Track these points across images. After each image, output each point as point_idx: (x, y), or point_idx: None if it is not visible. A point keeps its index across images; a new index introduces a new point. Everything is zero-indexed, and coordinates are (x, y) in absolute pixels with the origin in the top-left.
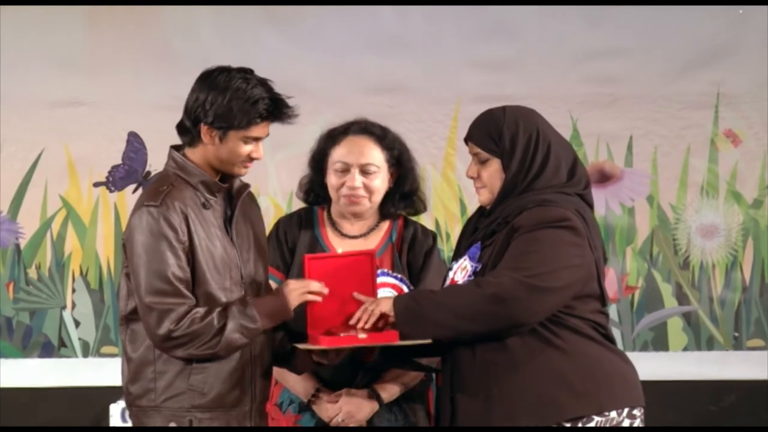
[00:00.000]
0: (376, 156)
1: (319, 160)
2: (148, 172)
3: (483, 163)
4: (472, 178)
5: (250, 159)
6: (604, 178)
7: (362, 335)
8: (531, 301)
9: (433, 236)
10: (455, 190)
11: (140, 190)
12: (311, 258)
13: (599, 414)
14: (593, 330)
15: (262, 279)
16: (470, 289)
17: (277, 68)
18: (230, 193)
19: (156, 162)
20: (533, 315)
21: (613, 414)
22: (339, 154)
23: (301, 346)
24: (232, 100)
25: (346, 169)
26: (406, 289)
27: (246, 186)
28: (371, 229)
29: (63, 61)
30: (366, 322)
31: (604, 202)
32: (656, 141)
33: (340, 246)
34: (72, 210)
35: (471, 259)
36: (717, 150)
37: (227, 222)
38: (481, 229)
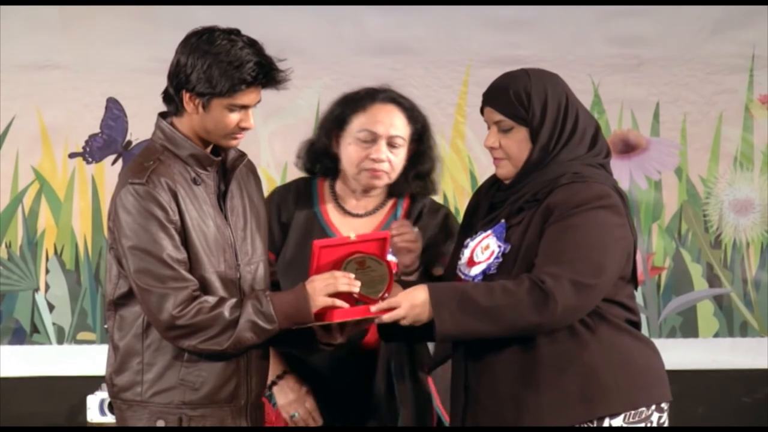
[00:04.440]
0: (403, 129)
1: (332, 128)
2: (129, 142)
3: (506, 132)
4: (491, 148)
5: (240, 129)
6: (629, 148)
7: (374, 308)
8: (584, 305)
9: (446, 212)
10: (465, 161)
11: (120, 162)
12: (322, 246)
13: (632, 410)
14: (624, 318)
15: (259, 260)
16: (526, 299)
17: (268, 26)
18: (224, 166)
19: (137, 130)
20: (581, 315)
21: (642, 409)
22: (364, 122)
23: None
24: (213, 65)
25: (372, 140)
26: None
27: (242, 157)
28: (377, 208)
29: (33, 19)
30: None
31: (628, 175)
32: (685, 108)
33: (341, 225)
34: (45, 183)
35: (498, 238)
36: (752, 117)
37: (221, 198)
38: (505, 206)
